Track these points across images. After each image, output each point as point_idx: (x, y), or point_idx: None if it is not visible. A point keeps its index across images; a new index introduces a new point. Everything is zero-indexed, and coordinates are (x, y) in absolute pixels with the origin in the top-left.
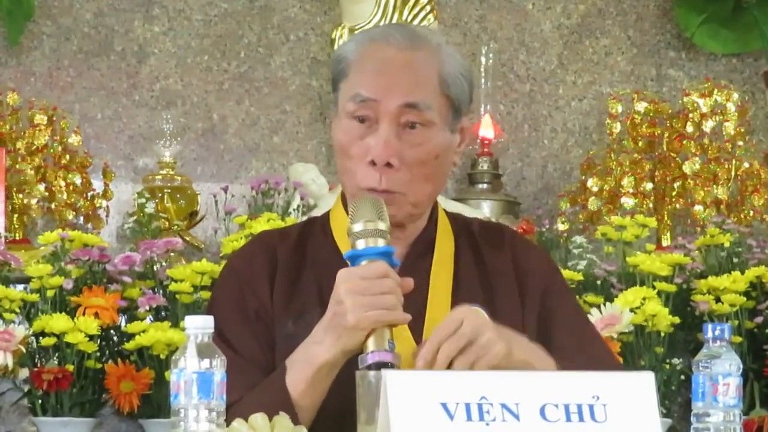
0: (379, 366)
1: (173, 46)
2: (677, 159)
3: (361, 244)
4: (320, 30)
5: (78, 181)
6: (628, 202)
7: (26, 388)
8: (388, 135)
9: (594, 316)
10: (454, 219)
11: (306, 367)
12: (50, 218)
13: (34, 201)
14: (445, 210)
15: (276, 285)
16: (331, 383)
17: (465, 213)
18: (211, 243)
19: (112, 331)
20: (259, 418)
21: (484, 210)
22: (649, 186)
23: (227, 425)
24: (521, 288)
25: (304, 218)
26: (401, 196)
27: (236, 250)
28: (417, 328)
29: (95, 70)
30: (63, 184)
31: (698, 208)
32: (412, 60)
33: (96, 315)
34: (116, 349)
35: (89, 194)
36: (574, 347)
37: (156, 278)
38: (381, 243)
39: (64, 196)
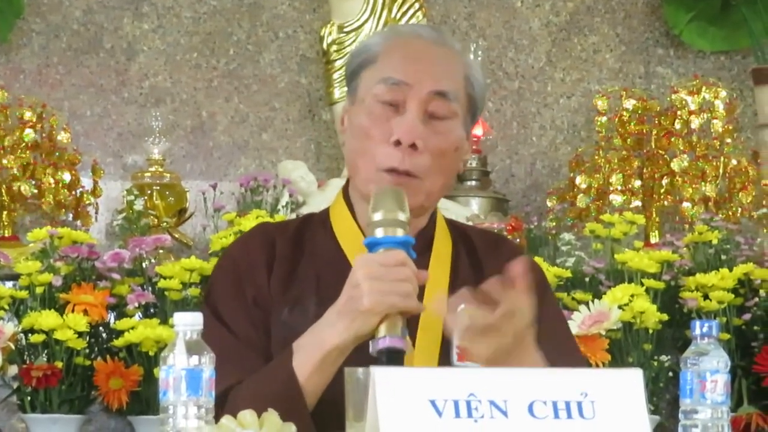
0: (391, 351)
1: (162, 43)
2: (665, 156)
3: (380, 233)
4: (309, 27)
5: (67, 178)
6: (616, 199)
7: (15, 385)
8: (415, 117)
9: (582, 312)
10: (452, 224)
11: (315, 350)
12: (39, 215)
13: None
14: (443, 216)
15: (273, 274)
16: (336, 371)
17: (454, 210)
18: (199, 240)
19: (101, 328)
20: (247, 415)
21: (473, 207)
22: (638, 183)
23: (229, 408)
24: None
25: (293, 215)
26: (419, 181)
27: (235, 240)
28: (412, 322)
29: (84, 67)
30: (52, 181)
31: (686, 205)
32: (441, 53)
33: (85, 312)
34: (105, 346)
35: (78, 191)
36: (554, 355)
37: (145, 275)
38: (400, 233)
39: (53, 194)
